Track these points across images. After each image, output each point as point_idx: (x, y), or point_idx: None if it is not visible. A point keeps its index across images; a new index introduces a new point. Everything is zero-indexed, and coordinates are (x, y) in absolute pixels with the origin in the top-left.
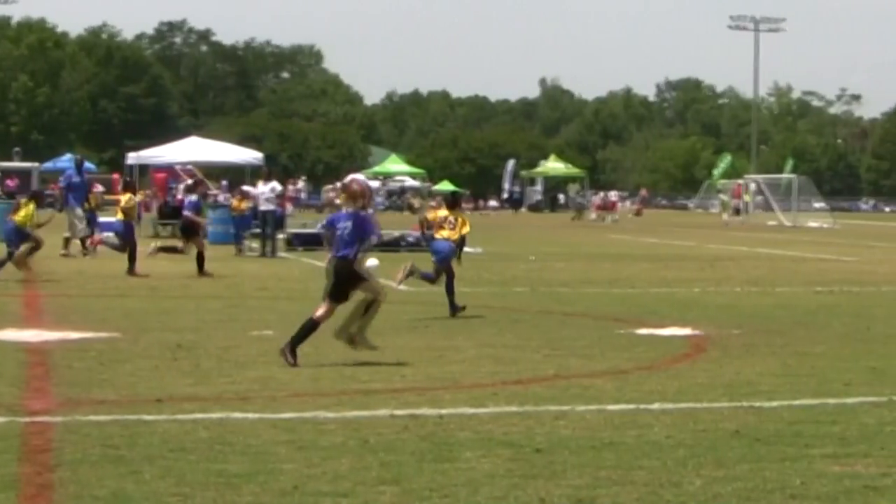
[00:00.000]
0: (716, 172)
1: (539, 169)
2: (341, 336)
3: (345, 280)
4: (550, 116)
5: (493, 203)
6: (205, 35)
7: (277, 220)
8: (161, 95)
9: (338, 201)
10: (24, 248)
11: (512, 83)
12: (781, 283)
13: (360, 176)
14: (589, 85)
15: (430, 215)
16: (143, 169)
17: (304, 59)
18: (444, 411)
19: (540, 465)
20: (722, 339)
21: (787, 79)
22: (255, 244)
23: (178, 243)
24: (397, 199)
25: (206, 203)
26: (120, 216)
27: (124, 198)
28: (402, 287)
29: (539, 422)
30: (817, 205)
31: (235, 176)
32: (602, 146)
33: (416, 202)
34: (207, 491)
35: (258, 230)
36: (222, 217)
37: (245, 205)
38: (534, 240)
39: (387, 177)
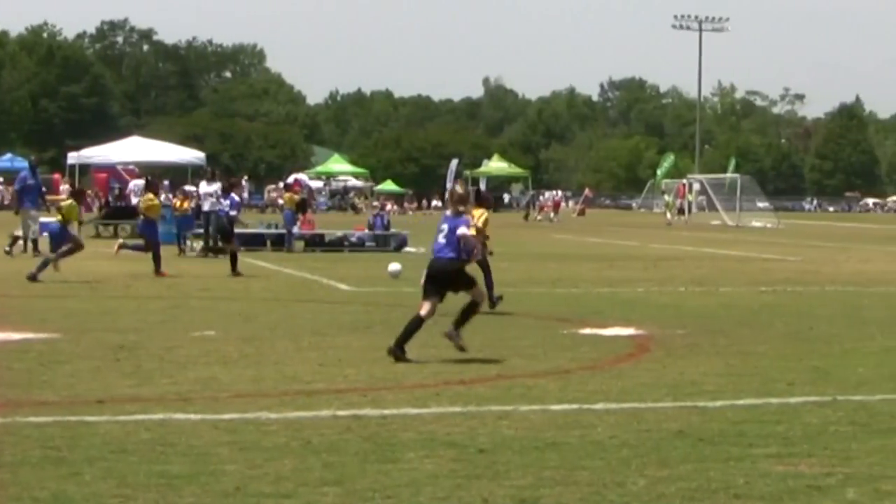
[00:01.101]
0: (659, 172)
1: (482, 169)
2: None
3: (443, 280)
4: (494, 116)
5: (436, 203)
6: (147, 34)
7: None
8: (102, 95)
9: (280, 201)
10: (64, 248)
11: (455, 83)
12: (725, 283)
13: (302, 176)
14: (532, 84)
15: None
16: (84, 168)
17: (246, 59)
18: (386, 412)
19: (483, 465)
20: (666, 339)
21: (730, 78)
22: (198, 244)
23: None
24: (340, 199)
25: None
26: (145, 214)
27: (146, 197)
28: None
29: (482, 422)
30: (761, 204)
31: (177, 176)
32: (545, 146)
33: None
34: (149, 492)
35: (200, 230)
36: (164, 217)
37: (187, 205)
38: None
39: (329, 177)
